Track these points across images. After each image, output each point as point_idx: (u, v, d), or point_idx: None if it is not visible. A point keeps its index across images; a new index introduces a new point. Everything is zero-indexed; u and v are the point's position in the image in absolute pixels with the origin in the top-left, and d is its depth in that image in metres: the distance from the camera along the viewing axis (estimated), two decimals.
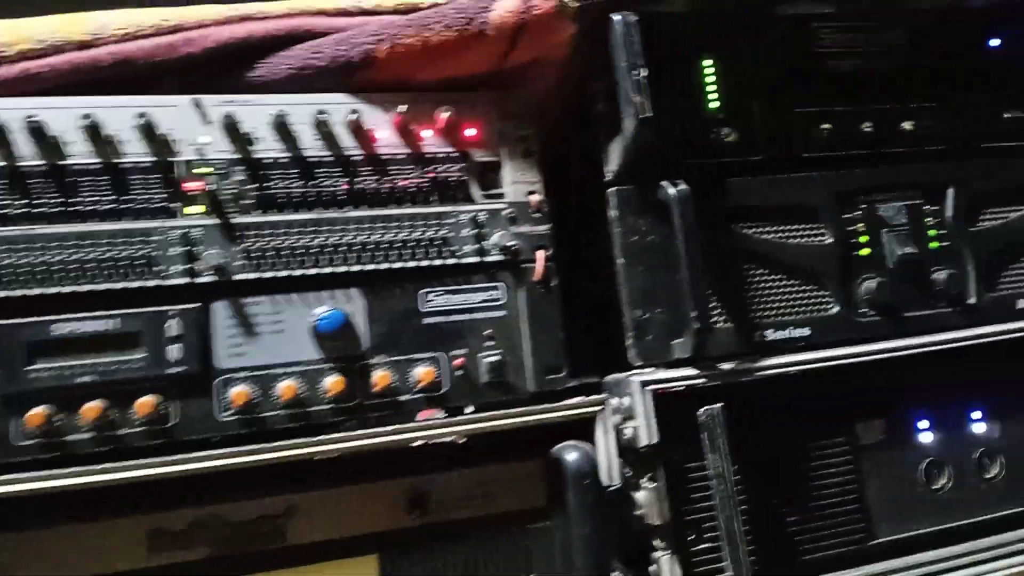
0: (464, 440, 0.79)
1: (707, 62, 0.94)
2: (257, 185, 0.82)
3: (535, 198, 0.89)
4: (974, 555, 0.89)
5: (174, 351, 0.76)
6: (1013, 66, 1.04)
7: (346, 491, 0.80)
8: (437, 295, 0.85)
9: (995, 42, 1.04)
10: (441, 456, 0.86)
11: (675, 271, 0.86)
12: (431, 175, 0.86)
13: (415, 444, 0.77)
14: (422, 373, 0.82)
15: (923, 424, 0.93)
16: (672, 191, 0.85)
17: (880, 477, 0.90)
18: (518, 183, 0.89)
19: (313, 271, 0.82)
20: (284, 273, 0.81)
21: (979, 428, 0.95)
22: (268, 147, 0.83)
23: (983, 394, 0.96)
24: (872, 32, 0.99)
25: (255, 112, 0.83)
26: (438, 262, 0.85)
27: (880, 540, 0.89)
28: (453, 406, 0.84)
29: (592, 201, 0.92)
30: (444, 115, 0.85)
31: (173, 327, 0.77)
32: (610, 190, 0.89)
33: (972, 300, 0.97)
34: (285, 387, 0.79)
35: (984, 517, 0.92)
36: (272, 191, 0.82)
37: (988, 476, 0.94)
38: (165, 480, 0.70)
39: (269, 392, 0.79)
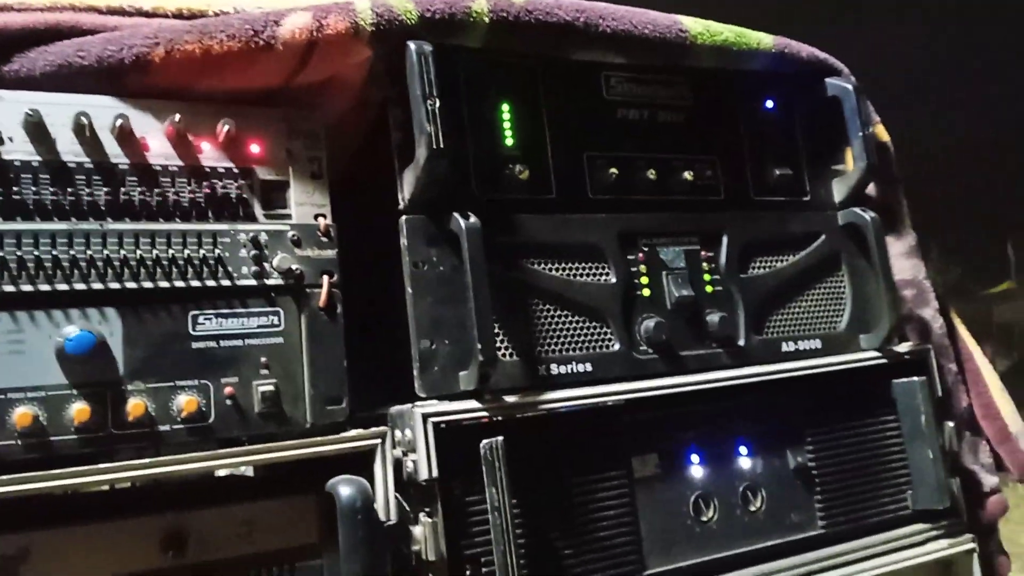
0: (232, 473, 0.76)
1: (503, 102, 0.97)
2: (2, 190, 0.75)
3: (323, 221, 0.87)
4: None
5: None
6: (784, 127, 1.16)
7: (92, 529, 0.74)
8: (208, 318, 0.81)
9: (770, 104, 1.16)
10: (203, 491, 0.82)
11: (463, 303, 0.87)
12: (208, 190, 0.83)
13: (171, 478, 0.73)
14: (185, 402, 0.78)
15: (694, 458, 0.99)
16: (463, 223, 0.87)
17: (653, 510, 0.94)
18: (305, 205, 0.87)
19: (63, 287, 0.76)
20: (27, 287, 0.74)
21: (744, 463, 1.02)
22: (18, 148, 0.76)
23: (749, 431, 1.02)
24: (660, 85, 1.07)
25: (5, 109, 0.76)
26: (211, 283, 0.81)
27: (651, 571, 0.92)
28: (221, 438, 0.80)
29: (385, 229, 0.91)
30: (225, 128, 0.83)
31: None
32: (402, 219, 0.89)
33: (741, 342, 1.05)
34: (21, 414, 0.72)
35: (746, 548, 0.98)
36: (19, 197, 0.76)
37: (751, 508, 1.00)
38: None
39: (3, 419, 0.72)
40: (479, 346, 0.84)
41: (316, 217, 0.87)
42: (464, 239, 0.86)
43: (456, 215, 0.88)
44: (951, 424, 1.11)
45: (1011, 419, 1.19)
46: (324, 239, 0.87)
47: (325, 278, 0.86)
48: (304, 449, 0.79)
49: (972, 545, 1.09)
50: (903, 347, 1.13)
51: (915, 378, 1.08)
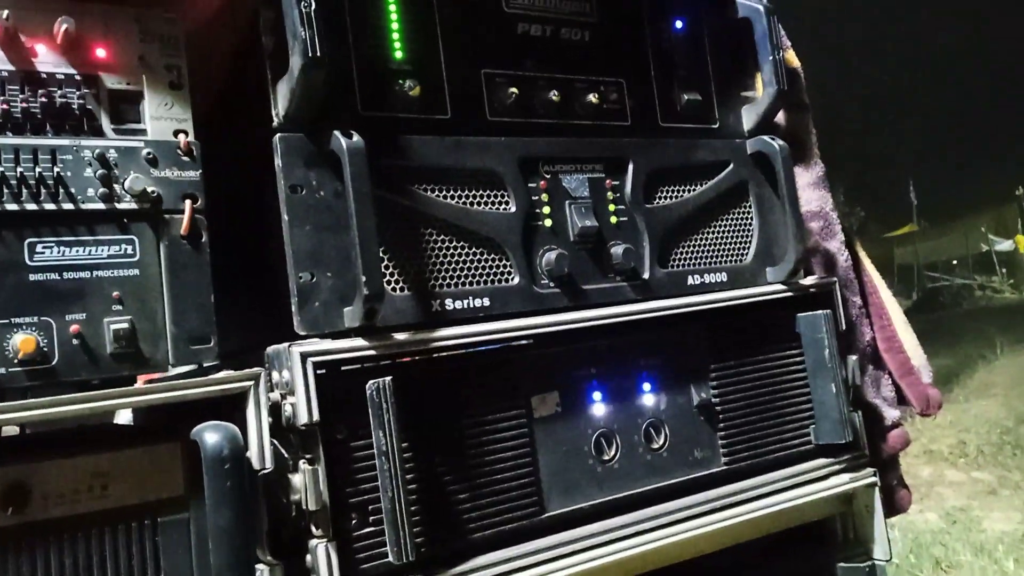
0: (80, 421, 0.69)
1: (392, 5, 0.91)
2: None
3: (184, 139, 0.80)
4: (638, 525, 0.95)
5: None
6: (693, 49, 1.13)
7: None
8: (48, 247, 0.73)
9: (679, 24, 1.13)
10: (47, 440, 0.75)
11: (346, 232, 0.82)
12: (44, 99, 0.74)
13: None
14: (21, 341, 0.70)
15: (596, 396, 0.98)
16: (344, 143, 0.82)
17: (553, 450, 0.93)
18: (163, 119, 0.79)
19: None
20: None
21: (647, 400, 1.01)
22: None
23: (652, 367, 1.02)
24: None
25: None
26: (50, 206, 0.73)
27: (551, 513, 0.91)
28: (67, 381, 0.73)
29: (259, 149, 0.85)
30: (63, 27, 0.74)
31: None
32: (277, 137, 0.83)
33: (646, 275, 1.04)
34: None
35: (650, 487, 0.98)
36: None
37: (654, 447, 1.00)
38: None
39: None
40: (364, 279, 0.80)
41: (176, 134, 0.80)
42: (346, 160, 0.81)
43: (337, 133, 0.82)
44: (854, 358, 1.13)
45: (913, 352, 1.23)
46: (185, 159, 0.80)
47: (188, 203, 0.79)
48: (165, 393, 0.73)
49: (874, 479, 1.12)
50: (808, 280, 1.14)
51: (820, 311, 1.09)
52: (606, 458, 0.97)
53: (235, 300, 0.84)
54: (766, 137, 1.12)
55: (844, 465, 1.11)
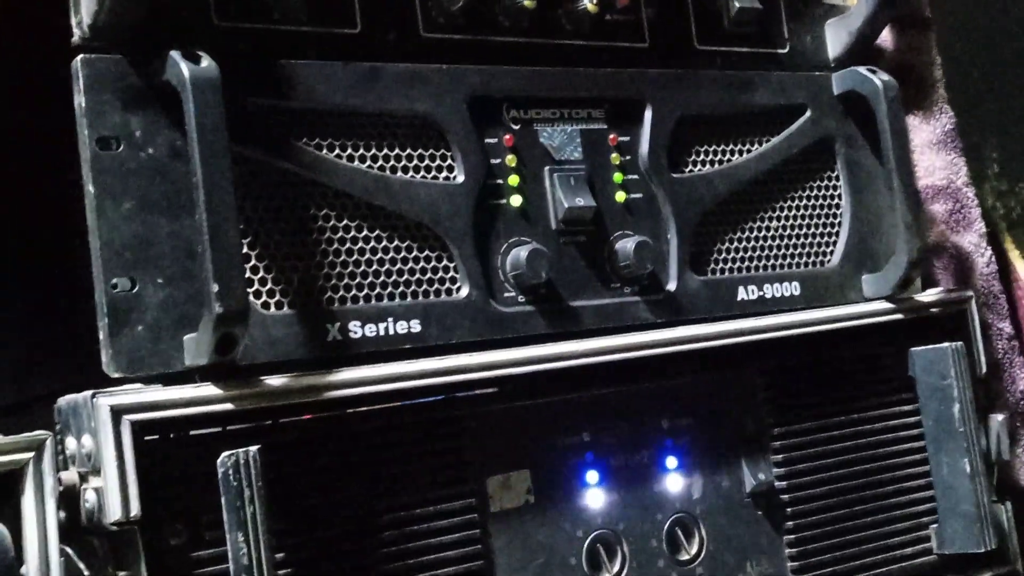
0: None
1: None
2: None
3: None
4: None
5: None
6: None
7: None
8: None
9: None
10: None
11: (190, 214, 0.81)
12: None
13: None
14: None
15: (591, 478, 0.97)
16: (186, 70, 0.79)
17: (521, 564, 0.92)
18: None
19: None
20: None
21: (673, 484, 1.01)
22: None
23: (680, 433, 1.02)
24: None
25: None
26: None
27: None
28: None
29: (46, 78, 0.85)
30: None
31: None
32: (78, 59, 0.81)
33: (671, 285, 1.03)
34: None
35: None
36: None
37: (683, 559, 1.00)
38: None
39: None
40: (216, 288, 0.78)
41: None
42: (189, 98, 0.79)
43: (176, 56, 0.80)
44: (1000, 418, 1.13)
45: None
46: None
47: None
48: None
49: None
50: (929, 295, 1.14)
51: (946, 344, 1.09)
52: None
53: (8, 325, 0.82)
54: (863, 69, 1.12)
55: None
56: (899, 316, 1.11)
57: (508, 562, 0.92)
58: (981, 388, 1.12)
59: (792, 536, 1.05)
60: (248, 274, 0.85)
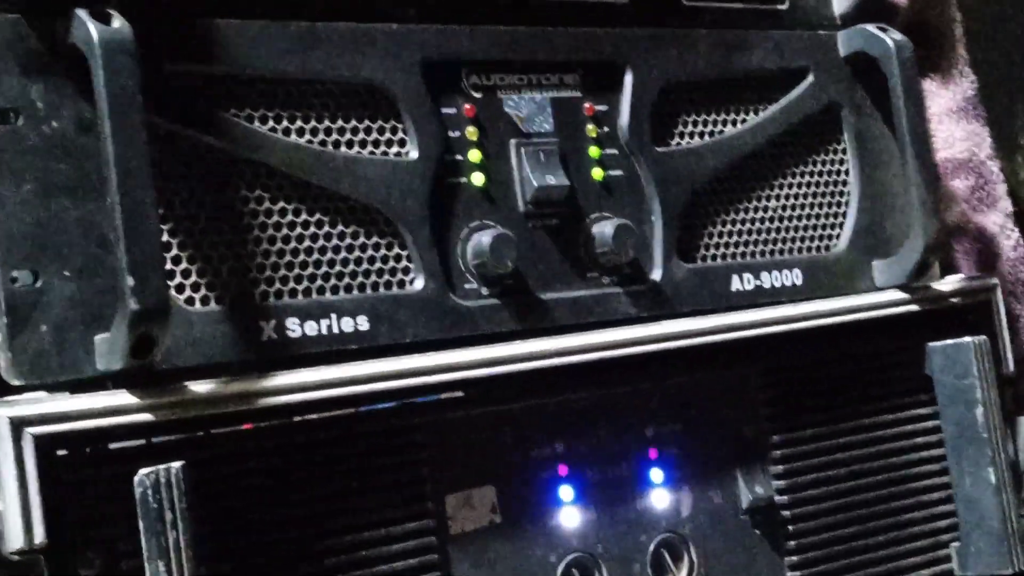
0: None
1: None
2: None
3: None
4: None
5: None
6: None
7: None
8: None
9: None
10: None
11: (98, 195, 0.81)
12: None
13: None
14: None
15: (565, 495, 0.97)
16: (96, 31, 0.79)
17: None
18: None
19: None
20: None
21: (659, 500, 1.01)
22: None
23: (667, 442, 1.02)
24: None
25: None
26: None
27: None
28: None
29: None
30: None
31: None
32: None
33: (656, 274, 1.03)
34: None
35: None
36: None
37: None
38: None
39: None
40: (131, 282, 0.77)
41: None
42: (99, 63, 0.78)
43: (82, 14, 0.80)
44: None
45: None
46: None
47: None
48: None
49: None
50: (948, 284, 1.14)
51: (967, 339, 1.09)
52: None
53: None
54: (873, 27, 1.12)
55: None
56: (915, 307, 1.12)
57: None
58: (1008, 388, 1.13)
59: (795, 558, 1.05)
60: (169, 265, 0.84)
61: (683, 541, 1.02)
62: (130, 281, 0.77)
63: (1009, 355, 1.14)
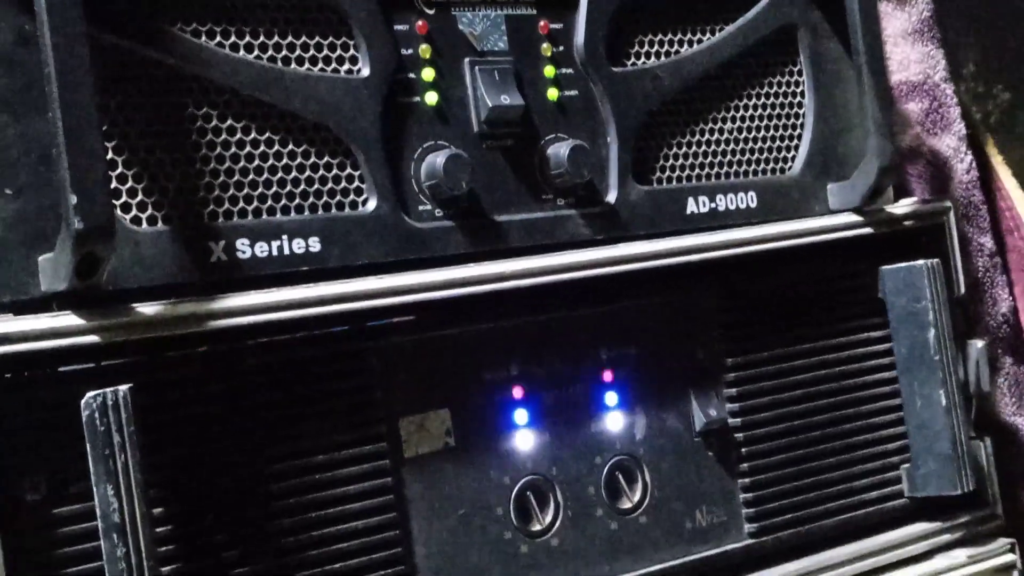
0: None
1: None
2: None
3: None
4: None
5: None
6: None
7: None
8: None
9: None
10: None
11: (41, 113, 0.79)
12: None
13: None
14: None
15: (519, 418, 0.97)
16: None
17: (439, 516, 0.93)
18: None
19: None
20: None
21: (613, 423, 1.01)
22: None
23: (621, 364, 1.02)
24: None
25: None
26: None
27: None
28: None
29: None
30: None
31: None
32: None
33: (611, 196, 1.02)
34: None
35: None
36: None
37: (624, 507, 1.01)
38: None
39: None
40: (74, 200, 0.75)
41: None
42: None
43: None
44: (980, 344, 1.14)
45: None
46: None
47: None
48: None
49: (1012, 556, 1.14)
50: (902, 207, 1.14)
51: (920, 262, 1.09)
52: (537, 529, 0.97)
53: None
54: None
55: (961, 534, 1.13)
56: (868, 230, 1.11)
57: (425, 514, 0.92)
58: (959, 311, 1.13)
59: (747, 479, 1.06)
60: (114, 183, 0.83)
61: (637, 463, 1.02)
62: (73, 199, 0.76)
63: (961, 278, 1.14)
